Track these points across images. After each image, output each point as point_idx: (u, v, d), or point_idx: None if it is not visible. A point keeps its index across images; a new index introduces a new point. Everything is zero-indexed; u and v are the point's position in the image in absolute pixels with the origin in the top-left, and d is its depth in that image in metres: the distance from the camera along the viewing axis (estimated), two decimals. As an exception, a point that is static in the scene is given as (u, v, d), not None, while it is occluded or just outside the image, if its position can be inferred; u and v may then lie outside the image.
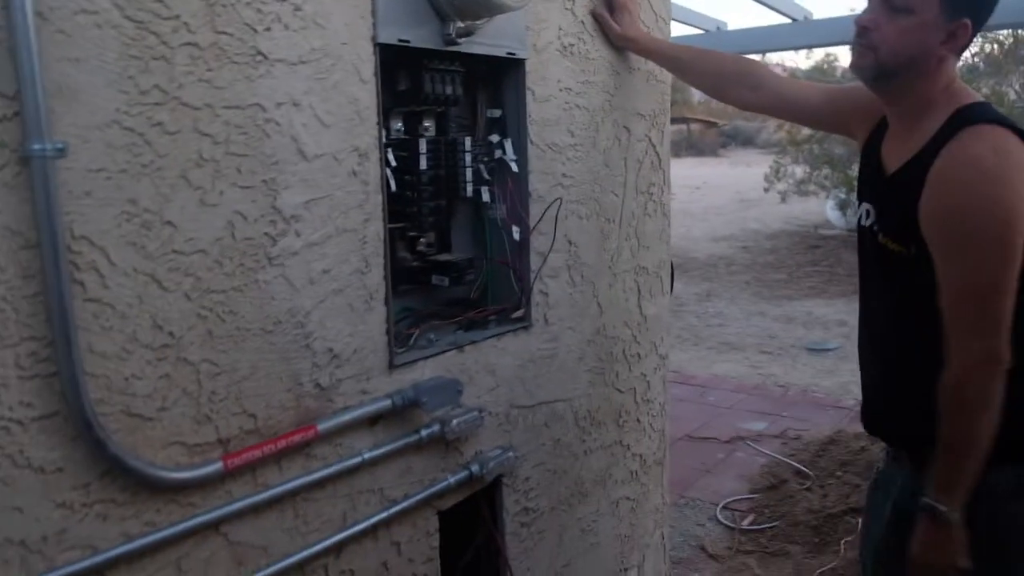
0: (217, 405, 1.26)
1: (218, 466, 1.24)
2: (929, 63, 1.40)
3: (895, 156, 1.49)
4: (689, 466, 3.95)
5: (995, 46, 9.78)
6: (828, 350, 6.18)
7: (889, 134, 1.54)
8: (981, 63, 9.87)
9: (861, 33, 1.43)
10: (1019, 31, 8.87)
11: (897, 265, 1.46)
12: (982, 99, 1.44)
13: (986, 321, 1.34)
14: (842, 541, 3.16)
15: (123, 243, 1.12)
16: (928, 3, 1.36)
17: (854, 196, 1.68)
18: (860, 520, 3.12)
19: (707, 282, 9.03)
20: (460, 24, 1.56)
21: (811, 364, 5.89)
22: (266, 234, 1.29)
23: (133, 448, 1.15)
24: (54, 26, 1.02)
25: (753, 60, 1.95)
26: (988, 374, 1.34)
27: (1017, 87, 9.70)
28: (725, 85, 1.93)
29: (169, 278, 1.17)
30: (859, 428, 4.07)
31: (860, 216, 1.58)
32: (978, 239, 1.32)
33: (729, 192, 17.22)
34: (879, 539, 1.59)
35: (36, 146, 1.00)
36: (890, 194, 1.48)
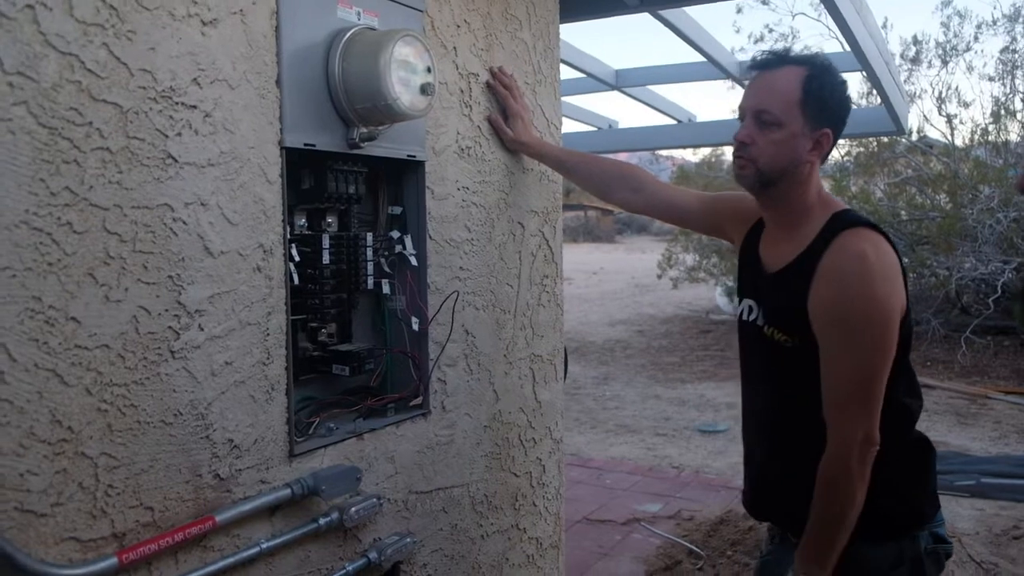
0: (114, 499, 1.26)
1: (112, 561, 1.24)
2: (802, 170, 1.58)
3: (776, 256, 1.65)
4: (587, 549, 4.00)
5: (863, 150, 10.68)
6: (719, 432, 6.42)
7: (767, 237, 1.71)
8: (851, 164, 10.72)
9: (739, 148, 1.59)
10: (883, 139, 9.73)
11: (783, 355, 1.60)
12: (848, 206, 1.64)
13: (866, 407, 1.48)
14: (732, 619, 3.26)
15: (25, 339, 1.14)
16: (793, 117, 1.54)
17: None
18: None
19: (604, 365, 9.25)
20: (363, 129, 1.67)
21: (703, 445, 6.09)
22: (170, 328, 1.33)
23: (25, 545, 1.15)
24: (-32, 131, 1.07)
25: (634, 166, 2.13)
26: (865, 456, 1.49)
27: (882, 186, 10.56)
28: (608, 187, 2.09)
29: (71, 373, 1.19)
30: (747, 507, 4.18)
31: (742, 312, 1.73)
32: (863, 331, 1.47)
33: (625, 277, 17.79)
34: None
35: (-57, 245, 1.03)
36: (776, 290, 1.62)
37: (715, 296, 12.87)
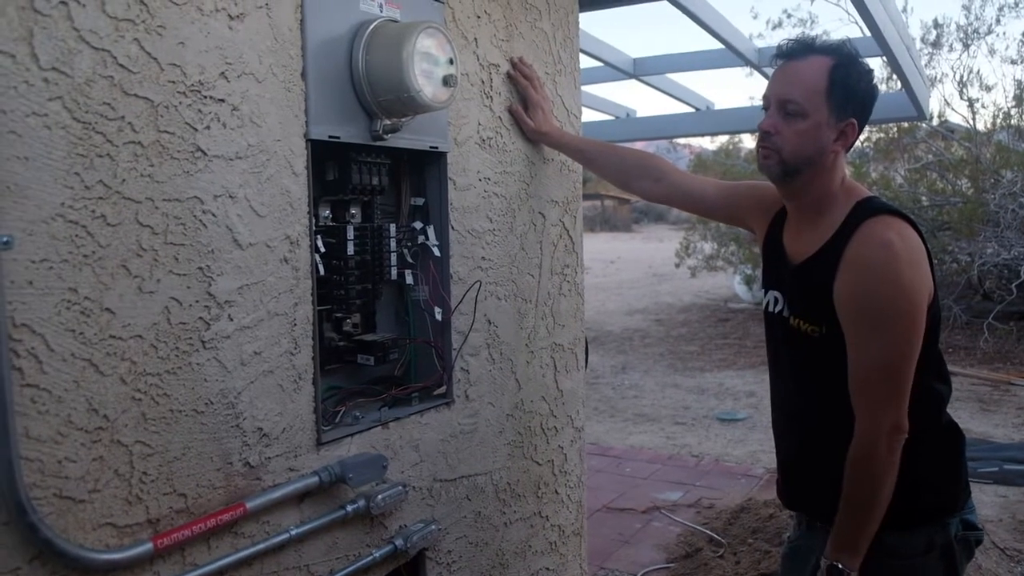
0: (148, 486, 1.29)
1: (148, 547, 1.27)
2: (826, 160, 1.57)
3: (800, 247, 1.64)
4: (608, 537, 4.02)
5: (883, 136, 10.59)
6: (738, 420, 6.41)
7: (790, 228, 1.70)
8: (870, 150, 10.63)
9: (764, 137, 1.59)
10: (903, 124, 9.64)
11: (810, 345, 1.60)
12: (872, 194, 1.63)
13: (894, 395, 1.48)
14: (754, 606, 3.27)
15: (62, 330, 1.17)
16: (819, 108, 1.54)
17: (759, 272, 1.84)
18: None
19: (622, 355, 9.25)
20: (386, 121, 1.68)
21: (723, 434, 6.08)
22: (200, 319, 1.35)
23: (64, 531, 1.18)
24: (6, 127, 1.09)
25: (654, 155, 2.12)
26: (893, 444, 1.49)
27: (903, 172, 10.47)
28: (629, 177, 2.09)
29: (106, 362, 1.22)
30: (768, 496, 4.21)
31: (768, 303, 1.73)
32: (891, 320, 1.47)
33: (642, 266, 17.75)
34: None
35: (-17, 239, 1.05)
36: (801, 281, 1.62)
37: (734, 284, 12.81)
